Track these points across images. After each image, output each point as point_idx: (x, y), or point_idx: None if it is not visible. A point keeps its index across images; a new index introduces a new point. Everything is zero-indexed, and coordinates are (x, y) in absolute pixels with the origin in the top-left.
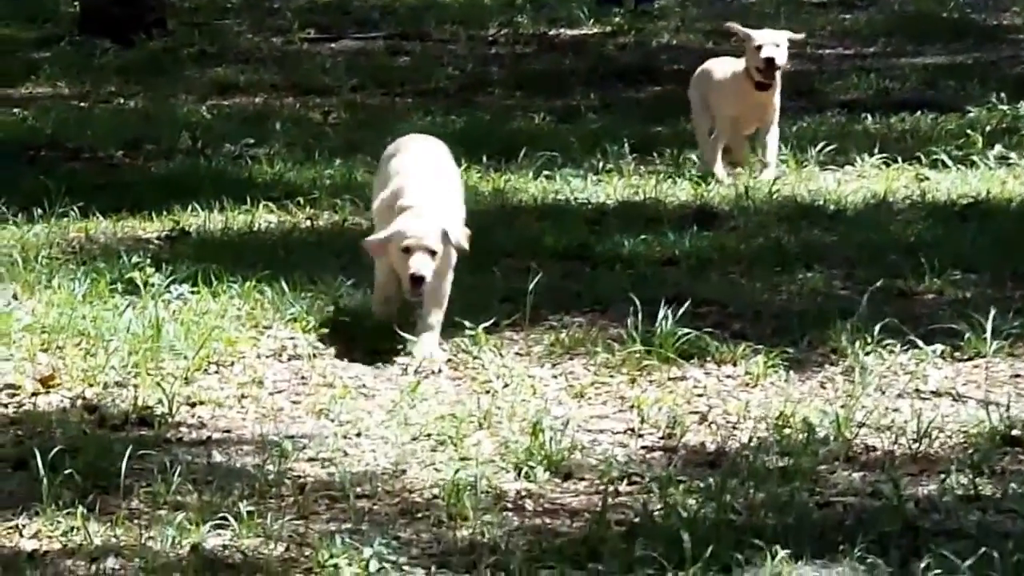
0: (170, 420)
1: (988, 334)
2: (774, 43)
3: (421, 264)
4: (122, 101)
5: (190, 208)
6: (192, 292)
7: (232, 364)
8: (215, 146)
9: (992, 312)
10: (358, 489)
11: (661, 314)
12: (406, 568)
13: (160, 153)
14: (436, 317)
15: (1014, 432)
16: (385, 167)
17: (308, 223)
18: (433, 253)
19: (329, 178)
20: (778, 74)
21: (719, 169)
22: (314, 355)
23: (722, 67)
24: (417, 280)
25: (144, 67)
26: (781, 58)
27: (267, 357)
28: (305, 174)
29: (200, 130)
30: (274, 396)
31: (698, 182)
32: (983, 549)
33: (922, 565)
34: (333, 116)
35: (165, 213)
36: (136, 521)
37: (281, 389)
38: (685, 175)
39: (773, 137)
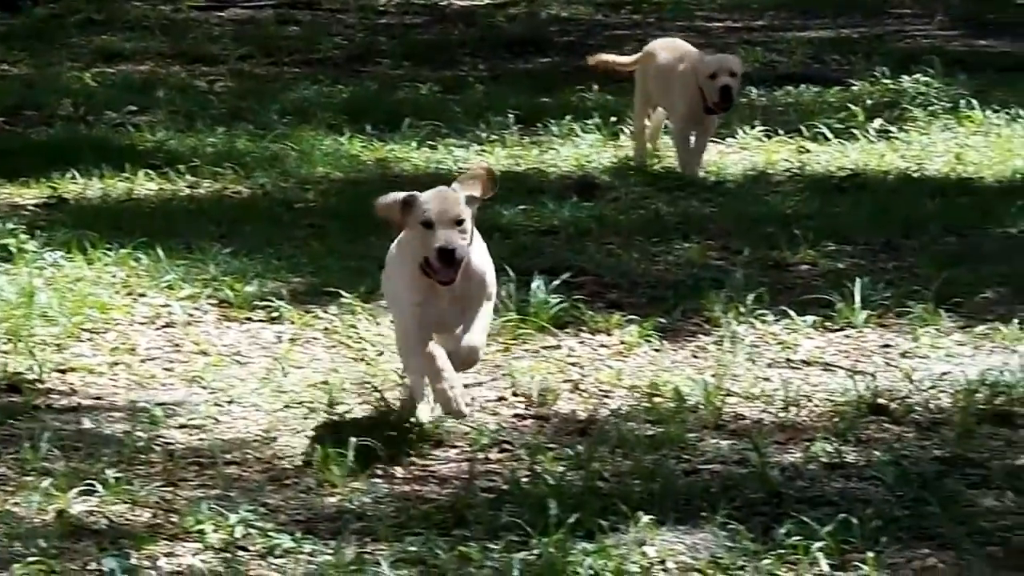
0: (40, 387)
1: (858, 305)
2: (729, 71)
3: (449, 236)
4: (6, 68)
5: (69, 175)
6: (67, 259)
7: (105, 331)
8: (98, 113)
9: (863, 283)
10: (228, 456)
11: (536, 283)
12: (272, 534)
13: (41, 120)
14: (486, 324)
15: (880, 401)
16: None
17: (188, 191)
18: (460, 223)
19: (211, 146)
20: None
21: (691, 168)
22: (188, 322)
23: (672, 59)
24: (447, 253)
25: (29, 34)
26: (737, 88)
27: (141, 324)
28: (187, 142)
29: (83, 97)
30: (147, 363)
31: (583, 154)
32: (843, 515)
33: (783, 531)
34: (219, 85)
35: (43, 180)
36: (2, 487)
37: (154, 356)
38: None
39: (706, 137)
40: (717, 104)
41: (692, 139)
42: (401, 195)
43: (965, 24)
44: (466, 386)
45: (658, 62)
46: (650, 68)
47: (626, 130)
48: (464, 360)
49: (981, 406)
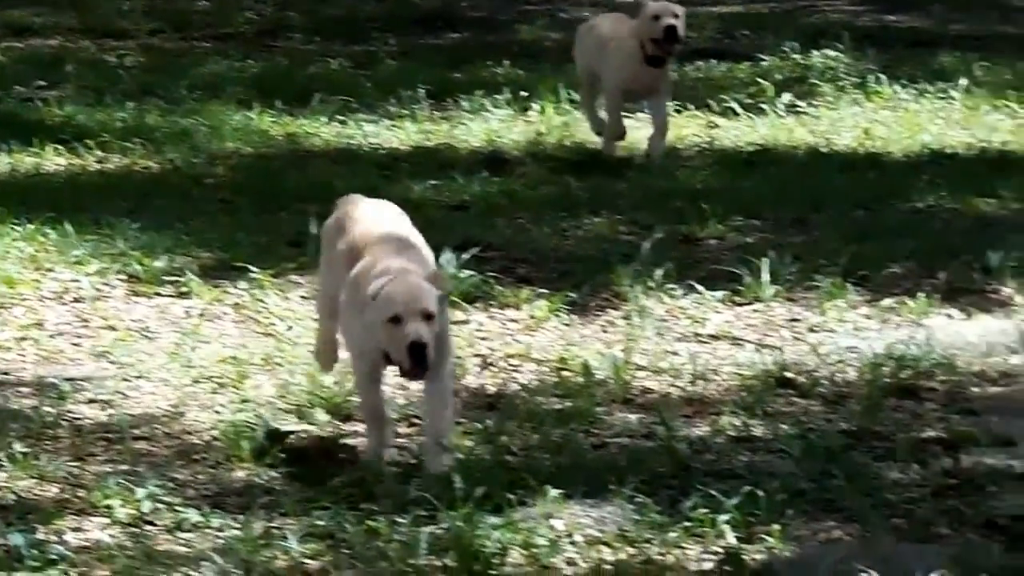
0: None
1: (766, 279)
2: (672, 13)
3: (420, 329)
4: None
5: None
6: None
7: (13, 306)
8: (6, 88)
9: (771, 257)
10: (136, 431)
11: (446, 258)
12: (180, 509)
13: None
14: (450, 417)
15: (787, 375)
16: (337, 240)
17: (97, 166)
18: (430, 317)
19: (120, 121)
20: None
21: (609, 147)
22: (97, 297)
23: (610, 29)
24: (418, 349)
25: None
26: (681, 29)
27: (49, 299)
28: (96, 117)
29: None
30: (55, 338)
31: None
32: (750, 488)
33: (690, 504)
34: (129, 60)
35: None
36: None
37: (62, 331)
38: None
39: (662, 108)
40: (661, 45)
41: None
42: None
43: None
44: None
45: (595, 33)
46: (587, 43)
47: (535, 107)
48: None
49: (887, 379)
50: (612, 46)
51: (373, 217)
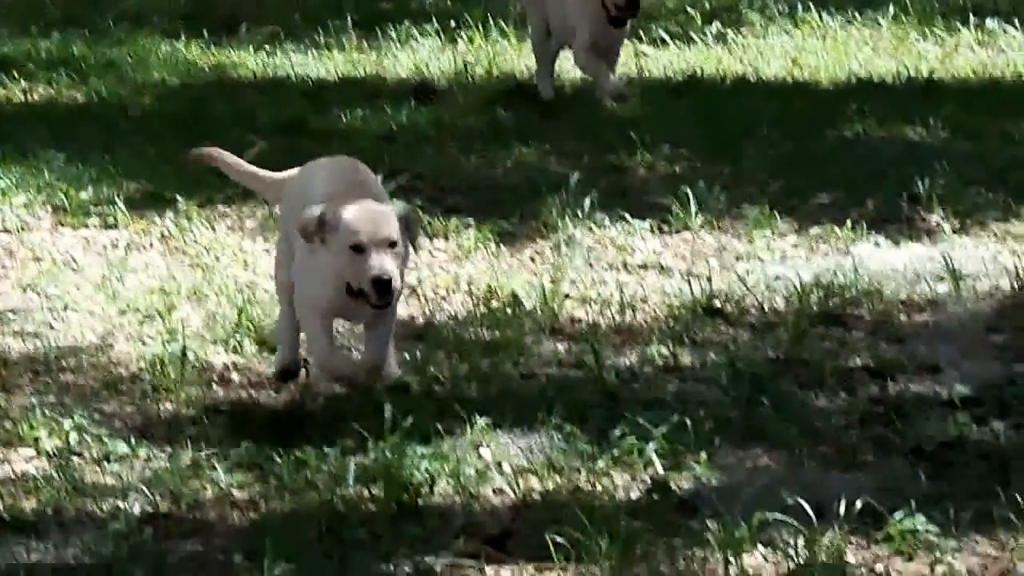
0: None
1: (694, 208)
2: None
3: (385, 262)
4: None
5: None
6: None
7: None
8: None
9: (699, 186)
10: (63, 363)
11: None
12: (107, 440)
13: None
14: (389, 335)
15: (715, 303)
16: (298, 196)
17: (22, 96)
18: (394, 245)
19: (46, 51)
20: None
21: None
22: (22, 228)
23: None
24: (384, 284)
25: None
26: None
27: None
28: (21, 47)
29: None
30: None
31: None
32: (678, 417)
33: (617, 433)
34: None
35: None
36: None
37: None
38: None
39: (614, 63)
40: (622, 8)
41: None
42: (317, 211)
43: None
44: None
45: None
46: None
47: (463, 36)
48: (369, 376)
49: (814, 308)
50: (577, 9)
51: (335, 174)
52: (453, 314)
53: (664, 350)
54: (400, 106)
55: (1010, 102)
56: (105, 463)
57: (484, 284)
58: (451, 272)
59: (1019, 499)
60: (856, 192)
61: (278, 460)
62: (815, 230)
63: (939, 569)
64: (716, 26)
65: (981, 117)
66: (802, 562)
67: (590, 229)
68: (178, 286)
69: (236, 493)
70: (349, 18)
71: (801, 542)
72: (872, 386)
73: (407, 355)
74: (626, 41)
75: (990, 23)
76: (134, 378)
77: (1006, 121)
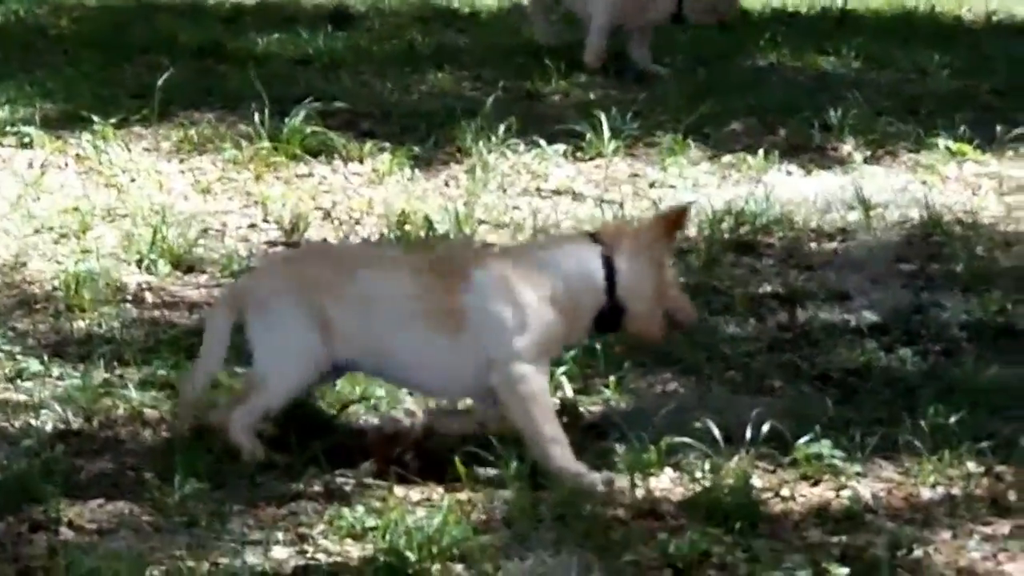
0: None
1: (607, 135)
2: None
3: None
4: None
5: None
6: None
7: None
8: None
9: (613, 113)
10: None
11: (290, 112)
12: (20, 358)
13: None
14: None
15: None
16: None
17: None
18: None
19: None
20: None
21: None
22: None
23: None
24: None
25: None
26: None
27: None
28: None
29: None
30: None
31: None
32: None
33: None
34: None
35: None
36: None
37: None
38: None
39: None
40: None
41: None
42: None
43: None
44: (217, 212)
45: None
46: None
47: None
48: None
49: (726, 235)
50: None
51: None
52: (367, 237)
53: None
54: (317, 31)
55: (922, 34)
56: (18, 380)
57: (398, 208)
58: (366, 196)
59: (924, 426)
60: (768, 121)
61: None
62: (727, 158)
63: (844, 493)
64: None
65: (894, 48)
66: (709, 485)
67: (504, 154)
68: (93, 206)
69: (148, 411)
70: None
71: (708, 465)
72: (781, 313)
73: None
74: None
75: None
76: (48, 297)
77: (918, 53)
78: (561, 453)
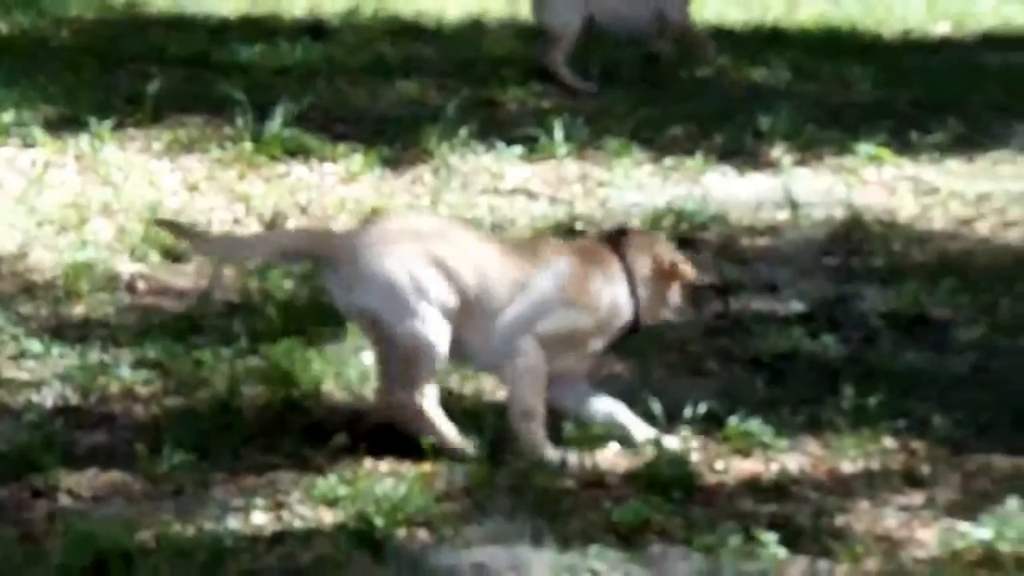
0: None
1: (560, 139)
2: None
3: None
4: None
5: None
6: None
7: None
8: None
9: (565, 119)
10: None
11: (270, 117)
12: (23, 339)
13: None
14: None
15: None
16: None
17: None
18: None
19: None
20: None
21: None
22: None
23: None
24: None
25: None
26: None
27: None
28: None
29: None
30: None
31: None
32: None
33: None
34: None
35: None
36: None
37: None
38: None
39: None
40: None
41: None
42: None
43: None
44: (204, 208)
45: None
46: None
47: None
48: None
49: (667, 231)
50: None
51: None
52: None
53: None
54: (295, 43)
55: (845, 49)
56: (21, 360)
57: (368, 204)
58: (339, 193)
59: (845, 405)
60: (706, 127)
61: (178, 360)
62: (669, 161)
63: (772, 467)
64: None
65: (820, 62)
66: (650, 459)
67: (465, 156)
68: (90, 201)
69: (139, 389)
70: None
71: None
72: (717, 302)
73: (296, 268)
74: None
75: None
76: (49, 284)
77: (842, 66)
78: (531, 428)
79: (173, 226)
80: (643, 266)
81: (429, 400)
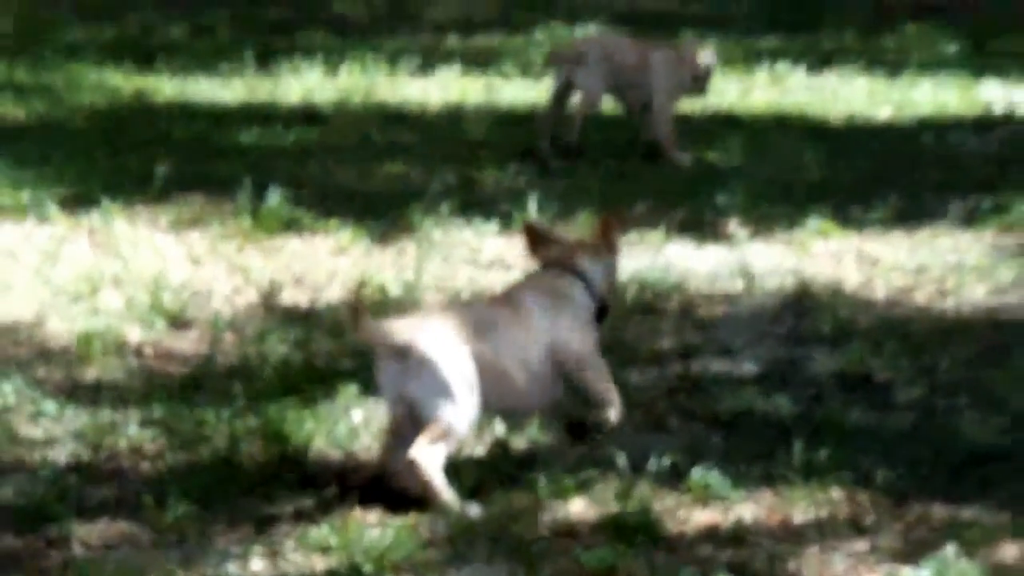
0: None
1: (534, 213)
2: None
3: None
4: None
5: None
6: None
7: None
8: None
9: (538, 195)
10: (4, 336)
11: (268, 193)
12: (39, 401)
13: None
14: None
15: None
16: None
17: None
18: None
19: None
20: None
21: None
22: None
23: (650, 53)
24: None
25: None
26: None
27: None
28: None
29: None
30: None
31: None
32: None
33: None
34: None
35: None
36: None
37: None
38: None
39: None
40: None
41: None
42: None
43: None
44: (206, 279)
45: (624, 54)
46: (609, 63)
47: (344, 69)
48: None
49: (632, 299)
50: (661, 69)
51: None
52: (331, 300)
53: None
54: (290, 128)
55: (795, 133)
56: (37, 419)
57: (357, 275)
58: (330, 265)
59: (796, 459)
60: (668, 203)
61: (182, 419)
62: (633, 234)
63: (730, 516)
64: None
65: (771, 144)
66: (617, 509)
67: (446, 231)
68: (102, 273)
69: (146, 446)
70: (248, 52)
71: (615, 492)
72: (678, 364)
73: (292, 334)
74: (479, 75)
75: (780, 67)
76: (63, 350)
77: (792, 148)
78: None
79: (356, 310)
80: (587, 264)
81: (439, 471)
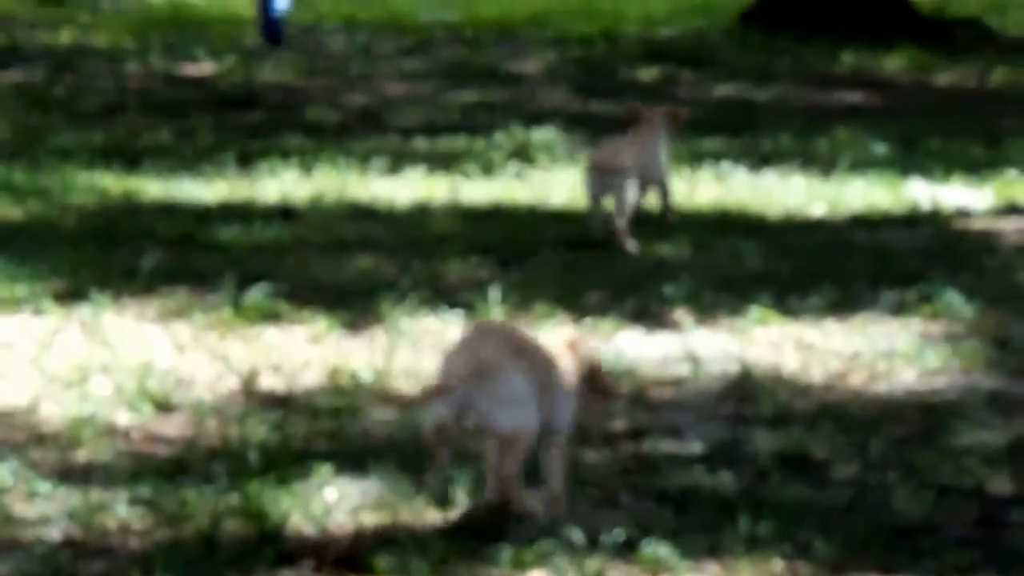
0: None
1: (494, 304)
2: None
3: None
4: None
5: None
6: None
7: None
8: None
9: (499, 286)
10: (0, 423)
11: (248, 287)
12: (34, 482)
13: None
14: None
15: None
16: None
17: None
18: None
19: None
20: None
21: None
22: None
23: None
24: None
25: None
26: None
27: None
28: None
29: None
30: None
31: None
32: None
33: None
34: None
35: None
36: None
37: None
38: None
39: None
40: None
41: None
42: None
43: (581, 90)
44: (190, 366)
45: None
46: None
47: (319, 170)
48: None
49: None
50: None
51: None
52: (306, 386)
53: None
54: (269, 224)
55: (736, 228)
56: (32, 500)
57: (331, 363)
58: (305, 353)
59: (740, 533)
60: (619, 294)
61: (167, 498)
62: (587, 321)
63: None
64: (514, 164)
65: (715, 239)
66: None
67: (414, 320)
68: (92, 362)
69: (134, 524)
70: (229, 154)
71: (572, 564)
72: (630, 444)
73: (271, 417)
74: (444, 174)
75: (724, 166)
76: (56, 434)
77: (734, 242)
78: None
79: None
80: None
81: (518, 481)
